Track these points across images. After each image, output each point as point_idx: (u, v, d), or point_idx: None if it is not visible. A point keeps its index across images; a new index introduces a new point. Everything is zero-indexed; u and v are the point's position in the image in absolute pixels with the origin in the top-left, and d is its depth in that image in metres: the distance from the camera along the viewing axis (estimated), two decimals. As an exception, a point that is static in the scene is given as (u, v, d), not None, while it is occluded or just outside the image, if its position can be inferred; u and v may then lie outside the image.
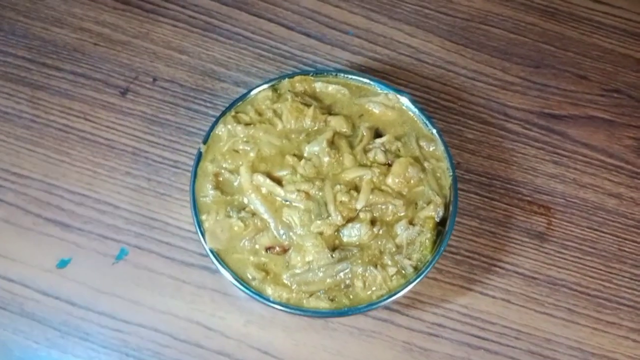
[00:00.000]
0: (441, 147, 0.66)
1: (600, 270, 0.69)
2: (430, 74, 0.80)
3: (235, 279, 0.58)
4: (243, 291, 0.58)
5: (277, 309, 0.58)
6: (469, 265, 0.69)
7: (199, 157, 0.64)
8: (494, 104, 0.79)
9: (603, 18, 0.86)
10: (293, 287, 0.58)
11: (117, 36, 0.80)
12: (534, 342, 0.66)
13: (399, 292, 0.58)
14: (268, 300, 0.58)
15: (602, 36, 0.84)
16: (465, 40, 0.83)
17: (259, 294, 0.58)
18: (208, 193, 0.62)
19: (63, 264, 0.66)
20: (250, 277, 0.59)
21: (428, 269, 0.59)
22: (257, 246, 0.60)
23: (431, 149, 0.66)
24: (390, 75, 0.80)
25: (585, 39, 0.84)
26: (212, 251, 0.59)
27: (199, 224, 0.60)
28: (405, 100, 0.68)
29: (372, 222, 0.60)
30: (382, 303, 0.58)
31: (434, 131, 0.66)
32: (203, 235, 0.60)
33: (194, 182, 0.62)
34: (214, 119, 0.72)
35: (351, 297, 0.59)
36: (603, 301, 0.68)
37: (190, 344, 0.64)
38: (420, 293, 0.67)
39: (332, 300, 0.58)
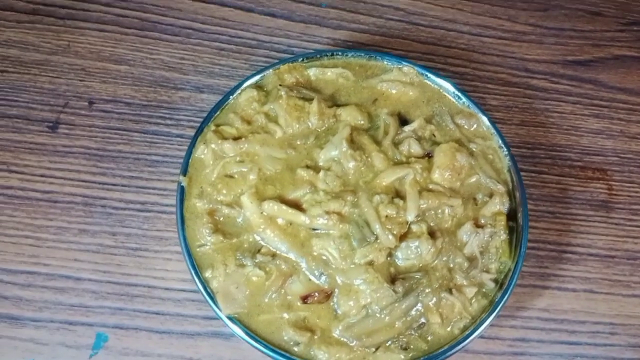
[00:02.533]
0: (485, 122, 0.52)
1: (680, 231, 0.59)
2: (429, 37, 0.66)
3: (272, 351, 0.42)
4: (286, 364, 0.42)
5: (338, 378, 0.42)
6: (536, 258, 0.56)
7: (182, 193, 0.47)
8: (510, 60, 0.66)
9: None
10: (352, 344, 0.43)
11: (30, 56, 0.61)
12: (632, 333, 0.54)
13: (486, 318, 0.44)
14: (323, 369, 0.42)
15: (603, -36, 0.73)
16: (458, -8, 0.70)
17: (310, 364, 0.42)
18: (206, 240, 0.46)
19: (21, 374, 0.48)
20: (290, 342, 0.43)
21: (515, 280, 0.46)
22: (289, 297, 0.44)
23: (473, 127, 0.52)
24: (383, 47, 0.65)
25: (586, -29, 0.73)
26: (231, 318, 0.43)
27: (204, 284, 0.44)
28: (424, 71, 0.54)
29: (431, 234, 0.46)
30: (472, 338, 0.44)
31: (470, 104, 0.53)
32: (213, 299, 0.44)
33: (182, 229, 0.46)
34: (180, 139, 0.57)
35: (429, 338, 0.44)
36: (695, 267, 0.57)
37: None
38: (490, 305, 0.54)
39: (405, 349, 0.44)
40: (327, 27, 0.66)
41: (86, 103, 0.59)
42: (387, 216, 0.45)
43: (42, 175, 0.56)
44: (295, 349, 0.43)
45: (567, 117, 0.63)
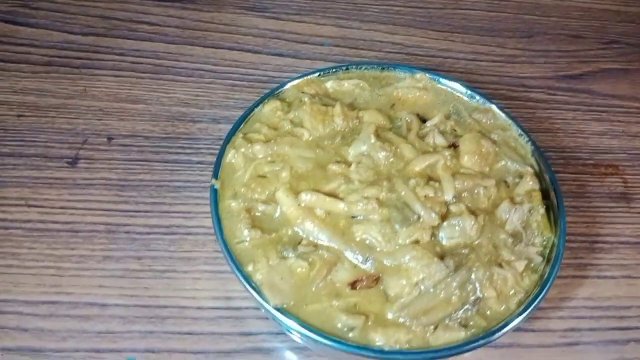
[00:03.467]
0: (501, 115, 0.54)
1: (703, 214, 0.60)
2: (429, 64, 0.70)
3: (327, 338, 0.40)
4: (343, 351, 0.39)
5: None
6: (569, 250, 0.56)
7: (216, 196, 0.46)
8: (507, 78, 0.70)
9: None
10: (409, 324, 0.41)
11: (46, 101, 0.62)
12: (681, 314, 0.53)
13: (542, 291, 0.43)
14: (382, 352, 0.39)
15: (575, -2, 0.81)
16: (448, 27, 0.75)
17: (367, 348, 0.40)
18: (244, 237, 0.44)
19: (46, 408, 0.44)
20: (344, 329, 0.41)
21: (561, 253, 0.45)
22: (337, 285, 0.43)
23: (490, 120, 0.54)
24: (387, 75, 0.68)
25: (560, 4, 0.80)
26: (279, 309, 0.41)
27: (247, 279, 0.42)
28: (436, 76, 0.56)
29: (472, 213, 0.46)
30: (530, 309, 0.42)
31: (484, 100, 0.55)
32: (258, 291, 0.41)
33: (220, 227, 0.44)
34: (201, 165, 0.57)
35: (487, 313, 0.42)
36: None
37: None
38: (533, 298, 0.52)
39: (465, 326, 0.41)
40: (332, 62, 0.69)
41: (105, 139, 0.59)
42: (425, 196, 0.45)
43: (62, 207, 0.54)
44: (350, 334, 0.40)
45: (570, 123, 0.66)
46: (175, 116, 0.62)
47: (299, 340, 0.45)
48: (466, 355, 0.46)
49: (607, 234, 0.57)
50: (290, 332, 0.42)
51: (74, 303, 0.49)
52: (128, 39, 0.68)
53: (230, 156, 0.49)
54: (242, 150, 0.49)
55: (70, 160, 0.58)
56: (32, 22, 0.69)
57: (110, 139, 0.60)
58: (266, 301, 0.41)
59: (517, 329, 0.49)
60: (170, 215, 0.55)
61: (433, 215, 0.44)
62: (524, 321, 0.42)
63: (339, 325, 0.41)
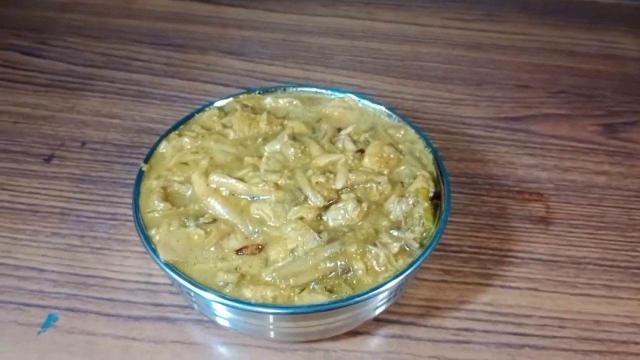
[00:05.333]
0: (411, 131, 0.60)
1: (620, 241, 0.61)
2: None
3: (201, 288, 0.45)
4: (215, 301, 0.44)
5: (263, 313, 0.44)
6: (478, 261, 0.58)
7: (140, 175, 0.54)
8: (450, 117, 0.76)
9: (525, 43, 0.90)
10: (278, 284, 0.45)
11: (39, 112, 0.73)
12: (582, 327, 0.53)
13: (409, 268, 0.46)
14: (249, 304, 0.44)
15: (529, 55, 0.87)
16: (404, 74, 0.83)
17: (237, 300, 0.44)
18: (155, 207, 0.51)
19: (-33, 345, 0.50)
20: (221, 284, 0.45)
21: (436, 241, 0.48)
22: (225, 251, 0.48)
23: (401, 134, 0.60)
24: (339, 108, 0.76)
25: (515, 60, 0.87)
26: (167, 265, 0.46)
27: (148, 239, 0.48)
28: (364, 101, 0.63)
29: (359, 201, 0.51)
30: (395, 281, 0.45)
31: (401, 120, 0.61)
32: (154, 250, 0.47)
33: (136, 199, 0.51)
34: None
35: (354, 282, 0.46)
36: (637, 270, 0.58)
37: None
38: (433, 299, 0.55)
39: (330, 291, 0.45)
40: (291, 96, 0.78)
41: (79, 144, 0.69)
42: (317, 182, 0.51)
43: (29, 192, 0.63)
44: (226, 289, 0.45)
45: (502, 156, 0.70)
46: (144, 130, 0.71)
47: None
48: (348, 344, 0.50)
49: (520, 250, 0.60)
50: (179, 287, 0.47)
51: (17, 266, 0.56)
52: (120, 70, 0.80)
53: (162, 146, 0.56)
54: (173, 142, 0.57)
55: (46, 157, 0.67)
56: (44, 54, 0.82)
57: (83, 143, 0.69)
58: (158, 256, 0.47)
59: (408, 324, 0.52)
60: (117, 205, 0.62)
61: (319, 197, 0.49)
62: (386, 294, 0.45)
63: (218, 282, 0.46)
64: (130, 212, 0.60)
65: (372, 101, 0.63)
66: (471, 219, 0.62)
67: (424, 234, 0.50)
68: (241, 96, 0.63)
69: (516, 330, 0.53)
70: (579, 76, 0.84)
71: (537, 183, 0.67)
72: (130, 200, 0.61)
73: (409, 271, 0.46)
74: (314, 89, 0.65)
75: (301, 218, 0.49)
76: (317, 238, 0.47)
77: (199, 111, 0.61)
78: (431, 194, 0.53)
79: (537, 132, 0.74)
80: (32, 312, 0.52)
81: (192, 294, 0.45)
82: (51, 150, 0.68)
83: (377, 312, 0.49)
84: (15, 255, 0.57)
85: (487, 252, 0.59)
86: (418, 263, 0.47)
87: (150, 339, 0.51)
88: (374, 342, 0.52)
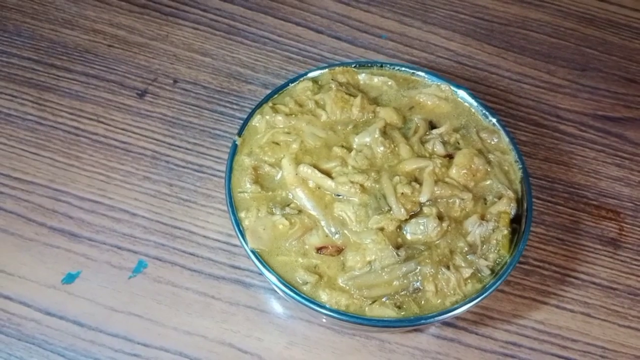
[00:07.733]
0: (505, 139, 0.58)
1: (685, 280, 0.61)
2: (473, 76, 0.75)
3: (283, 284, 0.49)
4: (293, 298, 0.48)
5: (334, 317, 0.48)
6: (539, 275, 0.60)
7: (234, 150, 0.56)
8: (544, 105, 0.73)
9: (643, 24, 0.82)
10: (352, 292, 0.49)
11: (134, 38, 0.74)
12: (624, 361, 0.56)
13: (477, 298, 0.49)
14: (324, 307, 0.48)
15: (645, 41, 0.80)
16: (505, 44, 0.78)
17: (312, 301, 0.48)
18: (246, 188, 0.53)
19: (70, 278, 0.56)
20: (300, 282, 0.49)
21: (508, 271, 0.50)
22: (306, 247, 0.51)
23: (494, 141, 0.59)
24: (430, 78, 0.74)
25: (627, 44, 0.80)
26: (254, 252, 0.50)
27: (238, 222, 0.51)
28: (460, 92, 0.61)
29: (440, 218, 0.52)
30: (460, 310, 0.48)
31: (496, 122, 0.59)
32: (243, 234, 0.51)
33: (229, 176, 0.54)
34: (241, 122, 0.66)
35: (422, 303, 0.49)
36: (693, 314, 0.59)
37: (222, 371, 0.54)
38: (489, 308, 0.58)
39: (399, 307, 0.49)
40: (383, 55, 0.76)
41: (171, 81, 0.70)
42: (402, 193, 0.52)
43: (123, 129, 0.66)
44: (304, 287, 0.49)
45: (589, 162, 0.69)
46: (233, 74, 0.72)
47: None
48: (404, 339, 0.55)
49: (582, 272, 0.61)
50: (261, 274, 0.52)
51: (111, 206, 0.61)
52: (214, -2, 0.78)
53: (256, 120, 0.58)
54: (267, 117, 0.57)
55: (139, 92, 0.69)
56: (140, -32, 0.80)
57: (175, 81, 0.70)
58: (246, 243, 0.50)
59: (461, 328, 0.56)
60: (204, 157, 0.65)
61: (402, 210, 0.51)
62: (451, 317, 0.48)
63: (298, 279, 0.50)
64: (217, 167, 0.64)
65: (470, 95, 0.61)
66: (542, 229, 0.63)
67: (497, 261, 0.52)
68: (336, 68, 0.62)
69: (560, 353, 0.56)
70: (694, 77, 0.77)
71: (616, 199, 0.66)
72: (217, 154, 0.65)
73: (476, 300, 0.49)
74: (411, 71, 0.63)
75: (382, 229, 0.51)
76: (395, 256, 0.49)
77: (292, 81, 0.61)
78: (512, 216, 0.54)
79: (630, 140, 0.71)
80: (124, 255, 0.58)
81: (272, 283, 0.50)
82: (144, 85, 0.70)
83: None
84: (110, 195, 0.62)
85: (550, 268, 0.61)
86: (486, 294, 0.49)
87: (227, 299, 0.57)
88: (427, 341, 0.56)
